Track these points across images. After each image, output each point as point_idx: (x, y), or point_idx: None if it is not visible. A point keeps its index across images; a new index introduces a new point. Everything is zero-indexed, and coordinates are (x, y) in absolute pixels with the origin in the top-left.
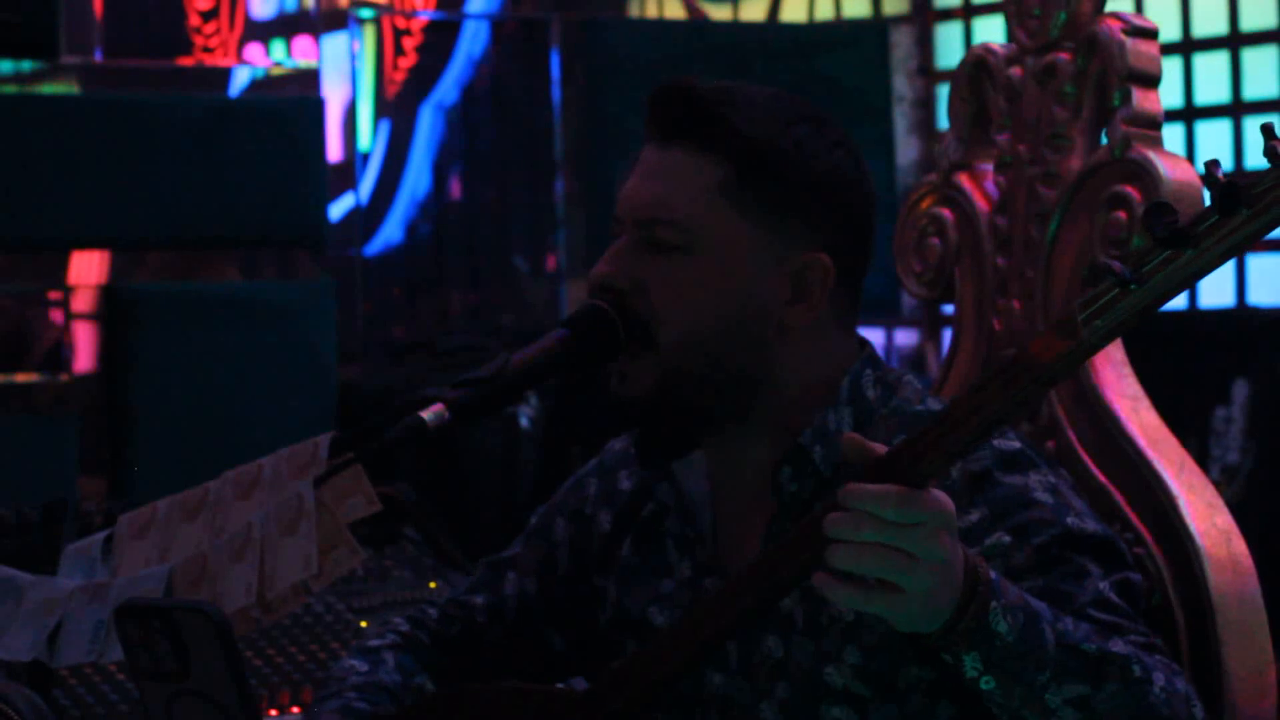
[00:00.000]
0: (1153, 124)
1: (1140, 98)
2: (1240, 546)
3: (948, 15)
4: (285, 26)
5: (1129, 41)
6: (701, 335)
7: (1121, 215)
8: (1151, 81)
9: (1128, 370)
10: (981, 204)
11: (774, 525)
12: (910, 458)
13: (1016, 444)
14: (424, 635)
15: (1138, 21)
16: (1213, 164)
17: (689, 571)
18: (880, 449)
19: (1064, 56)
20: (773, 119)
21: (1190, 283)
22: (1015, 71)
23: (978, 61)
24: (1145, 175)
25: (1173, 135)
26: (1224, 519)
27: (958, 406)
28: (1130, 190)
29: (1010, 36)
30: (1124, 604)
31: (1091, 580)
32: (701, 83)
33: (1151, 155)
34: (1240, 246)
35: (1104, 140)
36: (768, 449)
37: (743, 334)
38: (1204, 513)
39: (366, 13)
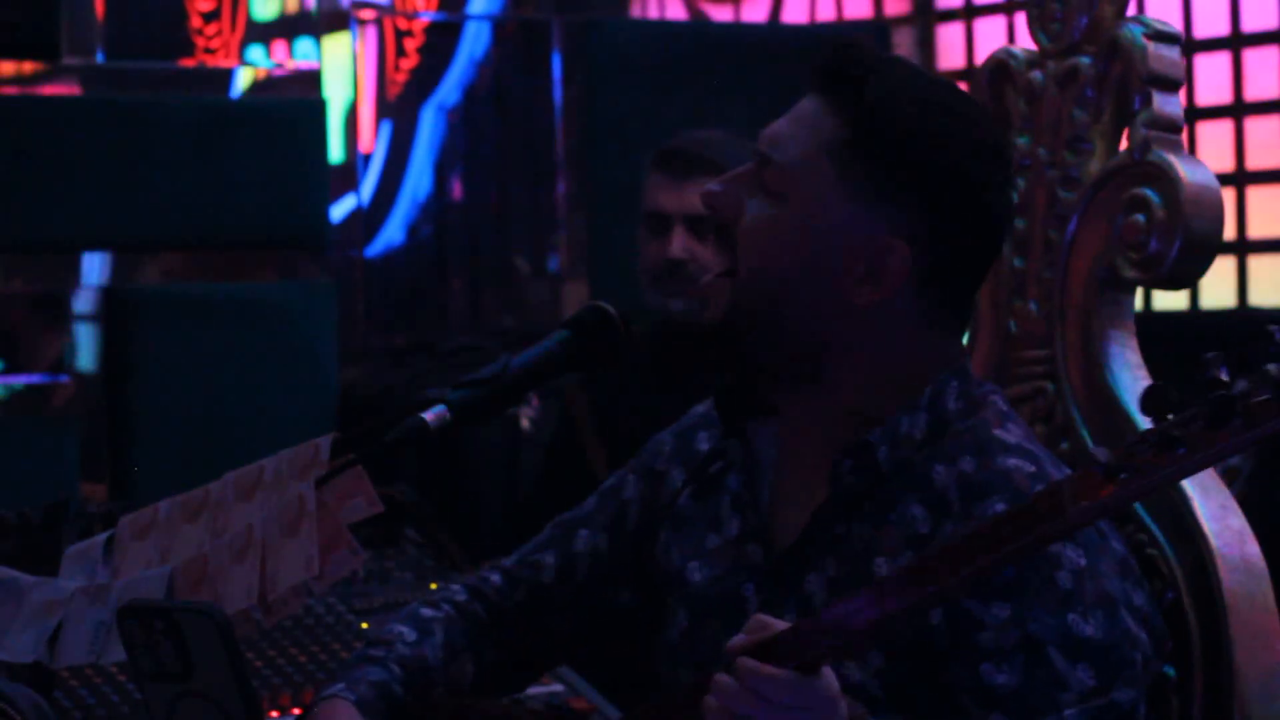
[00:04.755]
0: (1173, 127)
1: (1160, 101)
2: (1253, 548)
3: (949, 16)
4: (287, 28)
5: (1150, 45)
6: (768, 277)
7: (1139, 218)
8: (1172, 85)
9: (1143, 373)
10: None
11: (821, 513)
12: (808, 643)
13: None
14: (481, 608)
15: (1159, 25)
16: (1214, 359)
17: (735, 531)
18: (781, 626)
19: (1085, 60)
20: (913, 99)
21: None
22: (1035, 74)
23: (998, 64)
24: (1165, 178)
25: None
26: (1238, 520)
27: (952, 551)
28: (1150, 193)
29: (1032, 39)
30: None
31: (1066, 695)
32: (871, 48)
33: (1171, 158)
34: (1228, 455)
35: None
36: (834, 431)
37: (808, 291)
38: (1217, 514)
39: (368, 14)
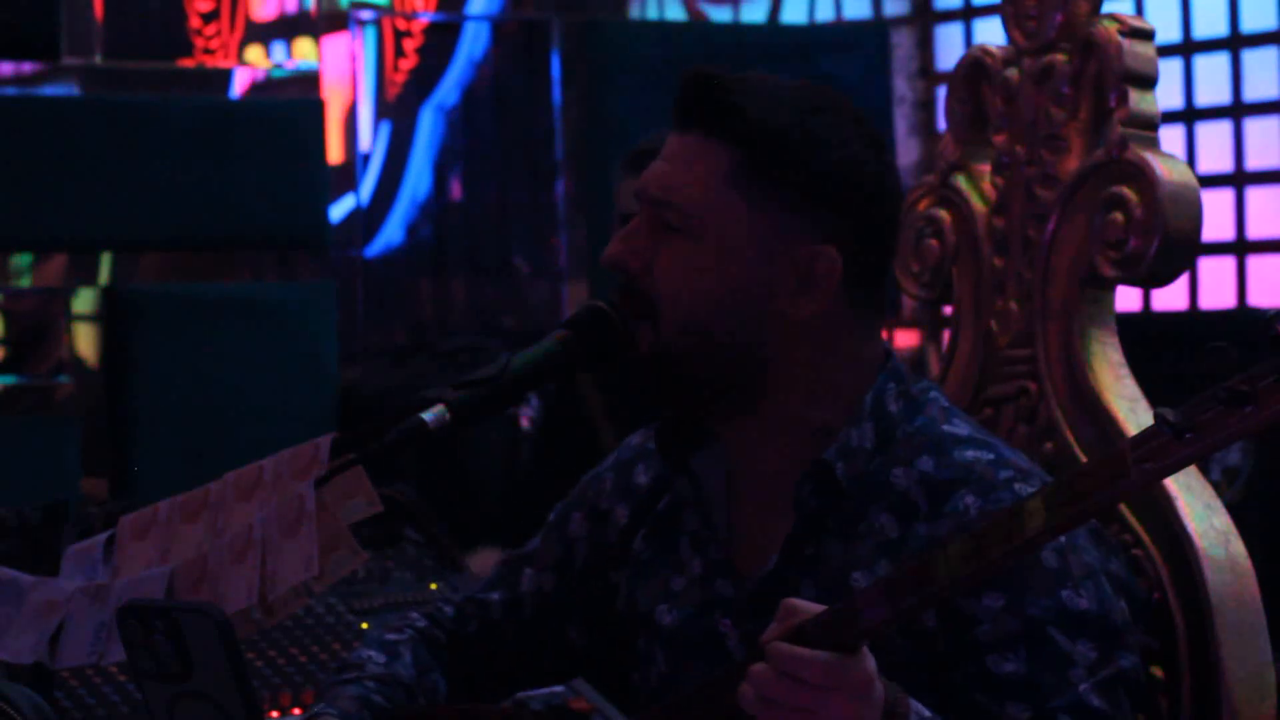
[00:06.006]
0: (1149, 125)
1: (1137, 99)
2: (1239, 548)
3: (948, 16)
4: (286, 28)
5: (1125, 42)
6: (697, 317)
7: (1118, 217)
8: (1148, 83)
9: (1125, 372)
10: (978, 205)
11: (791, 539)
12: (849, 620)
13: None
14: (440, 633)
15: (1134, 23)
16: (1276, 319)
17: (700, 570)
18: (814, 609)
19: (1060, 58)
20: (787, 109)
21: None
22: (1012, 73)
23: (975, 63)
24: (1142, 176)
25: (1173, 137)
26: (1222, 520)
27: (997, 524)
28: (1127, 191)
29: (1007, 36)
30: (1105, 706)
31: (1075, 671)
32: (721, 71)
33: (1148, 156)
34: None
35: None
36: (784, 447)
37: (741, 319)
38: (1202, 514)
39: (367, 14)
